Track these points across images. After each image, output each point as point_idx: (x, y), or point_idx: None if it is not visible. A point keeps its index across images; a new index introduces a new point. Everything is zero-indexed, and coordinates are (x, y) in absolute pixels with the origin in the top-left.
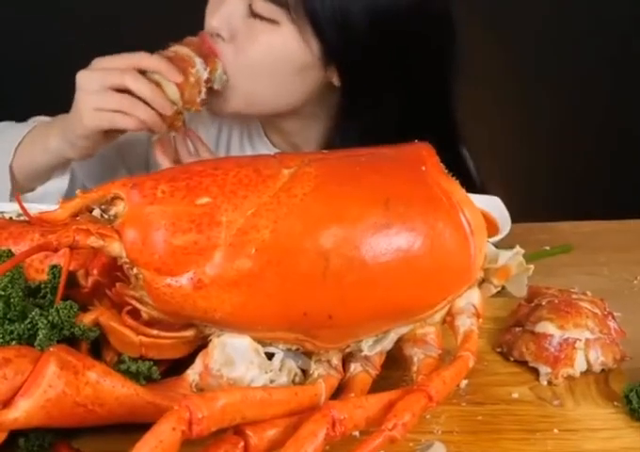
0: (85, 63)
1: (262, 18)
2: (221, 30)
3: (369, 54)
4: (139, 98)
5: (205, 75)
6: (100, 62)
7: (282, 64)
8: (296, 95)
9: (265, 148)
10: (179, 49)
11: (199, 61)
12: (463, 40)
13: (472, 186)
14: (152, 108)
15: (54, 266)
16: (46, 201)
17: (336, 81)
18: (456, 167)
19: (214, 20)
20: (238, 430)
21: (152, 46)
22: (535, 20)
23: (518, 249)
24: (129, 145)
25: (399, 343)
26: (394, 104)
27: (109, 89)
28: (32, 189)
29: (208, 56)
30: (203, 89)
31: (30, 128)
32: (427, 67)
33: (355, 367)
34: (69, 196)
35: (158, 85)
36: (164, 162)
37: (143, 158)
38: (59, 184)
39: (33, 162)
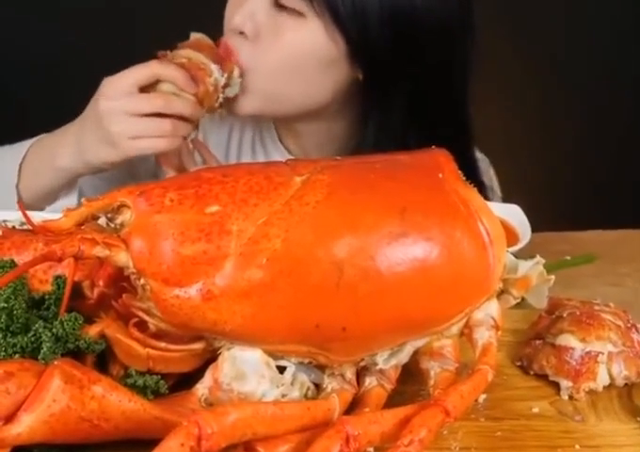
0: (84, 63)
1: (287, 9)
2: (245, 27)
3: (391, 47)
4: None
5: (223, 81)
6: (114, 85)
7: (309, 60)
8: (323, 93)
9: (279, 153)
10: (192, 54)
11: (215, 68)
12: (482, 42)
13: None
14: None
15: (58, 277)
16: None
17: (361, 76)
18: (469, 172)
19: (237, 16)
20: (249, 446)
21: (153, 46)
22: (557, 20)
23: (538, 258)
24: (138, 161)
25: (415, 356)
26: (412, 103)
27: (141, 116)
28: (41, 209)
29: (224, 61)
30: (221, 95)
31: (29, 145)
32: (442, 63)
33: (370, 381)
34: None
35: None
36: (168, 172)
37: (152, 173)
38: (68, 202)
39: (40, 182)
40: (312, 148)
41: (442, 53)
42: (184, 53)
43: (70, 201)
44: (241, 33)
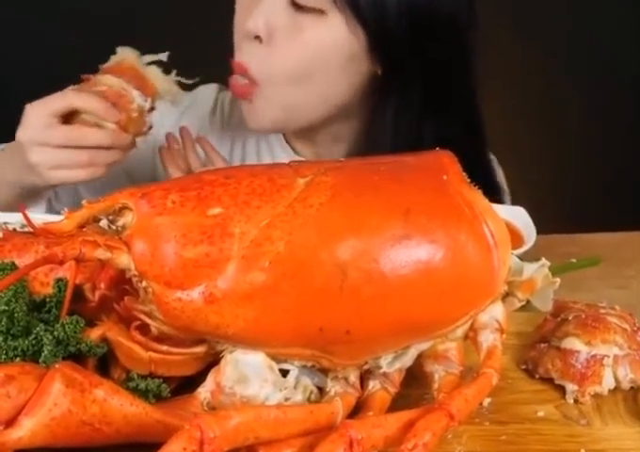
0: (84, 63)
1: (305, 8)
2: (259, 31)
3: (408, 37)
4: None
5: (147, 106)
6: (34, 115)
7: (331, 59)
8: (344, 93)
9: (287, 155)
10: (112, 81)
11: (136, 94)
12: (485, 41)
13: (498, 196)
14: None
15: (59, 280)
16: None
17: (380, 71)
18: (483, 174)
19: (251, 20)
20: (252, 450)
21: (153, 46)
22: (561, 18)
23: (543, 261)
24: (135, 162)
25: (419, 359)
26: (427, 96)
27: (58, 147)
28: None
29: (144, 85)
30: (148, 119)
31: None
32: (454, 54)
33: (373, 385)
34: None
35: (96, 126)
36: (174, 173)
37: (149, 174)
38: (34, 212)
39: (1, 193)
40: (323, 149)
41: (453, 45)
42: (105, 79)
43: (37, 210)
44: (256, 37)
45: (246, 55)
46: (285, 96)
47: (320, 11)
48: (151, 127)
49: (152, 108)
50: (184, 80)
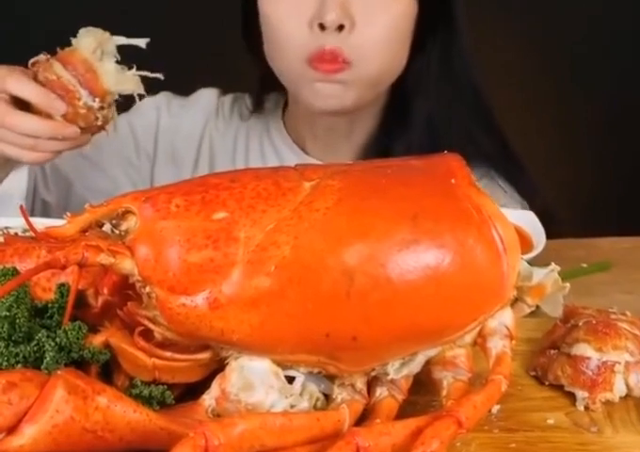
0: None
1: None
2: (342, 19)
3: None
4: None
5: (97, 105)
6: None
7: (406, 24)
8: (405, 57)
9: (292, 153)
10: (62, 73)
11: (84, 94)
12: (497, 40)
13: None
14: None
15: (61, 285)
16: (6, 202)
17: None
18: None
19: (329, 12)
20: None
21: (154, 44)
22: (576, 18)
23: (553, 266)
24: (132, 159)
25: (427, 366)
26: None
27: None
28: None
29: (93, 85)
30: (100, 116)
31: None
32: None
33: (380, 392)
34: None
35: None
36: None
37: (148, 173)
38: (17, 183)
39: None
40: (336, 142)
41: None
42: (56, 68)
43: (18, 180)
44: (339, 27)
45: (333, 44)
46: (376, 69)
47: None
48: (107, 122)
49: (102, 108)
50: (150, 75)
